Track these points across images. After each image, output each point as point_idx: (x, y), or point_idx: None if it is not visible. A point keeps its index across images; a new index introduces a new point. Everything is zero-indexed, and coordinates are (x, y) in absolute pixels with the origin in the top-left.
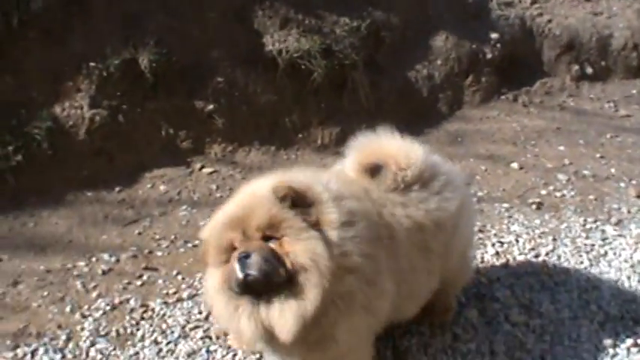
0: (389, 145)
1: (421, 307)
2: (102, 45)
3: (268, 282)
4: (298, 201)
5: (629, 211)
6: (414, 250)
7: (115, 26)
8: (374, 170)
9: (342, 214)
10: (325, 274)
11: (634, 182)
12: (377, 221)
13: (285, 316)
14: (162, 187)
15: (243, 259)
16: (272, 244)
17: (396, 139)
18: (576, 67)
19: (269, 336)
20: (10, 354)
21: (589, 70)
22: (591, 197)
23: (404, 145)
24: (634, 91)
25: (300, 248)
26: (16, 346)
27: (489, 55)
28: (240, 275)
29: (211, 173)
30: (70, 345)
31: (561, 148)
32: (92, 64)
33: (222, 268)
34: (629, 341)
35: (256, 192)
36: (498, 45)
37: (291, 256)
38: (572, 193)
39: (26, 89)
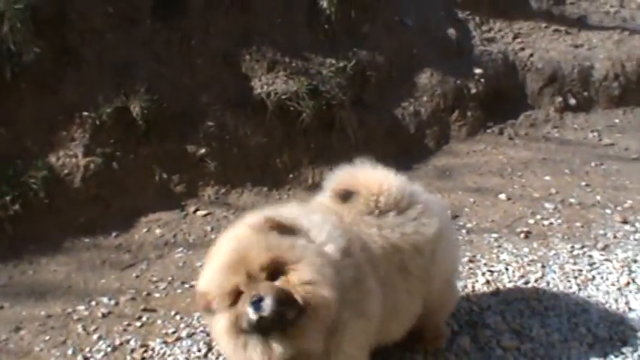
0: (362, 174)
1: (407, 330)
2: (94, 94)
3: (280, 321)
4: (286, 232)
5: (615, 236)
6: (393, 269)
7: (105, 75)
8: (345, 196)
9: (327, 235)
10: (332, 296)
11: (619, 208)
12: (352, 237)
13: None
14: (157, 231)
15: (257, 302)
16: (279, 282)
17: (372, 169)
18: (559, 98)
19: None
20: None
21: (572, 101)
22: (578, 224)
23: (378, 174)
24: (616, 120)
25: (308, 269)
26: None
27: (474, 90)
28: (254, 318)
29: (205, 215)
30: None
31: (547, 177)
32: (85, 113)
33: (229, 311)
34: None
35: (243, 233)
36: (482, 80)
37: (298, 289)
38: (559, 221)
39: (21, 140)
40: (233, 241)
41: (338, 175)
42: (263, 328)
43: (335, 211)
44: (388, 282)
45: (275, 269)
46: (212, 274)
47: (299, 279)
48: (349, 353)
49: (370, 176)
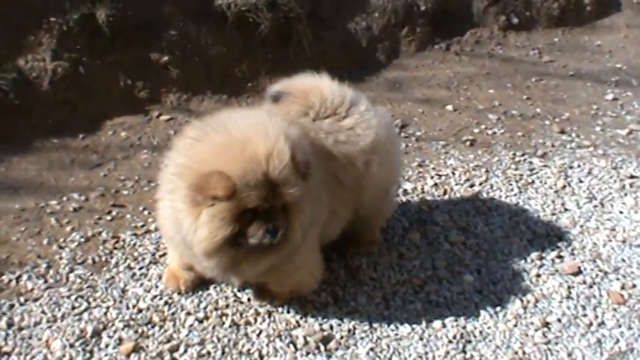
0: (299, 80)
1: (348, 231)
2: (61, 0)
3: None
4: (306, 173)
5: (553, 145)
6: (329, 176)
7: None
8: (275, 96)
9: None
10: (307, 224)
11: (557, 120)
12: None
13: (259, 264)
14: (123, 134)
15: (273, 233)
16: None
17: (316, 77)
18: (503, 17)
19: (237, 273)
20: None
21: (515, 21)
22: (519, 134)
23: (316, 80)
24: (556, 39)
25: (301, 215)
26: (2, 274)
27: (423, 8)
28: (267, 242)
29: (168, 120)
30: (51, 272)
31: (491, 91)
32: (52, 18)
33: (236, 223)
34: (554, 254)
35: (269, 146)
36: None
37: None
38: (502, 130)
39: None
40: (263, 148)
41: (277, 83)
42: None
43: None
44: (329, 188)
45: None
46: (244, 166)
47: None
48: (305, 252)
49: (305, 80)
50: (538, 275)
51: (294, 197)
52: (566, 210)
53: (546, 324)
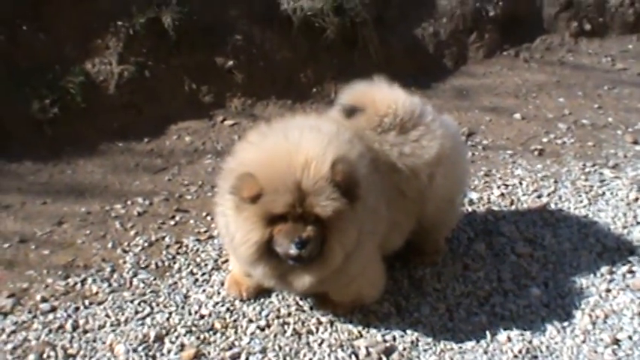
0: (373, 92)
1: (412, 241)
2: (128, 4)
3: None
4: (348, 190)
5: (625, 156)
6: (392, 188)
7: None
8: (349, 111)
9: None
10: (351, 245)
11: (630, 130)
12: (368, 154)
13: (304, 278)
14: (187, 138)
15: (299, 244)
16: (317, 228)
17: (386, 88)
18: (575, 23)
19: (285, 284)
20: (63, 283)
21: (587, 27)
22: (590, 144)
23: (389, 94)
24: (630, 46)
25: (342, 236)
26: (67, 276)
27: (492, 13)
28: (293, 254)
29: (233, 125)
30: (115, 275)
31: (561, 99)
32: (119, 22)
33: (266, 229)
34: (624, 268)
35: (312, 156)
36: (500, 3)
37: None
38: (572, 140)
39: (59, 46)
40: (301, 155)
41: (350, 91)
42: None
43: (343, 125)
44: (391, 200)
45: (319, 215)
46: (271, 170)
47: (333, 236)
48: (359, 268)
49: (380, 95)
50: (608, 290)
51: (327, 211)
52: (638, 223)
53: (616, 341)
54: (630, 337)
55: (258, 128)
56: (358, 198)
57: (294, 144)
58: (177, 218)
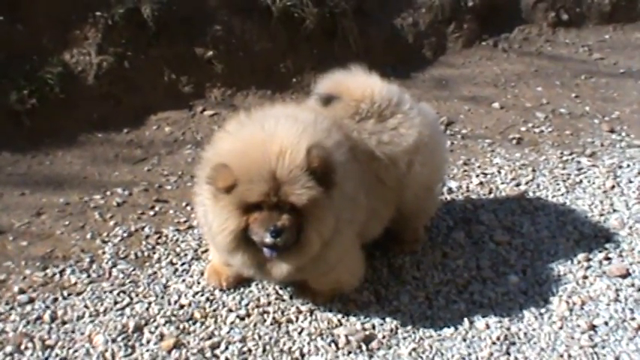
0: (348, 80)
1: (392, 230)
2: None
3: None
4: (324, 178)
5: (602, 144)
6: (372, 176)
7: None
8: (326, 99)
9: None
10: (328, 233)
11: (607, 119)
12: (346, 142)
13: (281, 267)
14: (167, 129)
15: (274, 233)
16: (293, 216)
17: (361, 75)
18: (552, 13)
19: (264, 272)
20: (41, 274)
21: (565, 17)
22: (567, 132)
23: (365, 80)
24: (607, 36)
25: (319, 224)
26: (45, 267)
27: (471, 3)
28: (268, 242)
29: (212, 115)
30: (94, 266)
31: (539, 89)
32: (97, 13)
33: (242, 217)
34: (601, 255)
35: (287, 145)
36: None
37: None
38: (550, 129)
39: (37, 37)
40: (275, 144)
41: (326, 80)
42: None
43: (321, 114)
44: (370, 188)
45: (294, 204)
46: (244, 158)
47: (310, 224)
48: (337, 256)
49: (356, 82)
50: (585, 277)
51: (302, 199)
52: (614, 211)
53: (593, 327)
54: (606, 323)
55: (236, 118)
56: (334, 185)
57: (269, 133)
58: (156, 208)
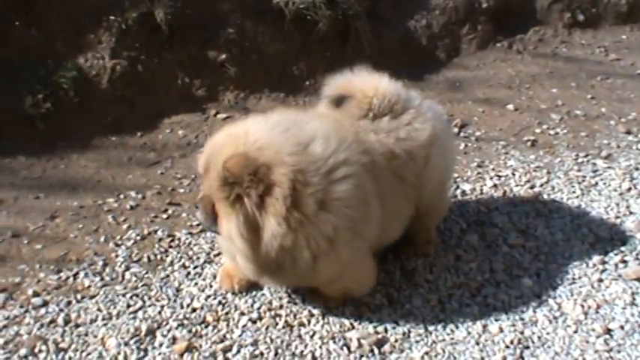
0: (356, 79)
1: (404, 232)
2: None
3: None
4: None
5: (618, 146)
6: (391, 175)
7: None
8: (339, 100)
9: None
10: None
11: (623, 120)
12: (356, 149)
13: (280, 276)
14: (180, 132)
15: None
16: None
17: (367, 74)
18: (568, 14)
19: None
20: (55, 277)
21: (580, 18)
22: (583, 134)
23: (372, 78)
24: (623, 37)
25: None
26: (59, 271)
27: (485, 5)
28: (205, 227)
29: (225, 119)
30: (107, 269)
31: (554, 90)
32: (111, 17)
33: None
34: (617, 258)
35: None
36: None
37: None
38: (565, 131)
39: (51, 42)
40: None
41: (333, 83)
42: None
43: (334, 119)
44: (389, 190)
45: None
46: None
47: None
48: (329, 273)
49: (364, 80)
50: (600, 280)
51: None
52: (631, 213)
53: (608, 331)
54: (622, 327)
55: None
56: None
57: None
58: (169, 212)
